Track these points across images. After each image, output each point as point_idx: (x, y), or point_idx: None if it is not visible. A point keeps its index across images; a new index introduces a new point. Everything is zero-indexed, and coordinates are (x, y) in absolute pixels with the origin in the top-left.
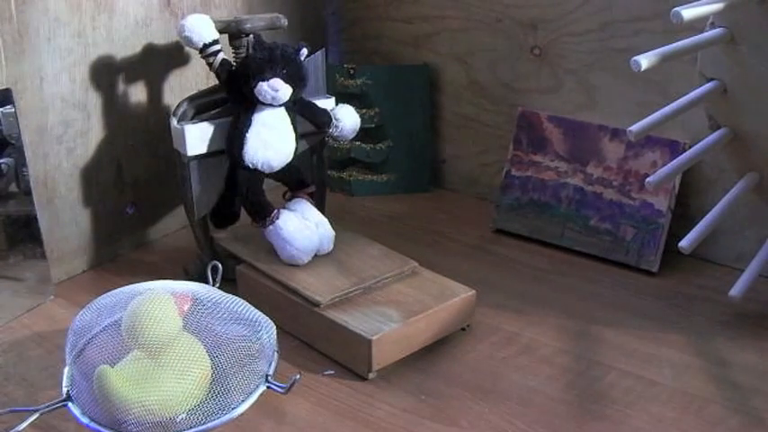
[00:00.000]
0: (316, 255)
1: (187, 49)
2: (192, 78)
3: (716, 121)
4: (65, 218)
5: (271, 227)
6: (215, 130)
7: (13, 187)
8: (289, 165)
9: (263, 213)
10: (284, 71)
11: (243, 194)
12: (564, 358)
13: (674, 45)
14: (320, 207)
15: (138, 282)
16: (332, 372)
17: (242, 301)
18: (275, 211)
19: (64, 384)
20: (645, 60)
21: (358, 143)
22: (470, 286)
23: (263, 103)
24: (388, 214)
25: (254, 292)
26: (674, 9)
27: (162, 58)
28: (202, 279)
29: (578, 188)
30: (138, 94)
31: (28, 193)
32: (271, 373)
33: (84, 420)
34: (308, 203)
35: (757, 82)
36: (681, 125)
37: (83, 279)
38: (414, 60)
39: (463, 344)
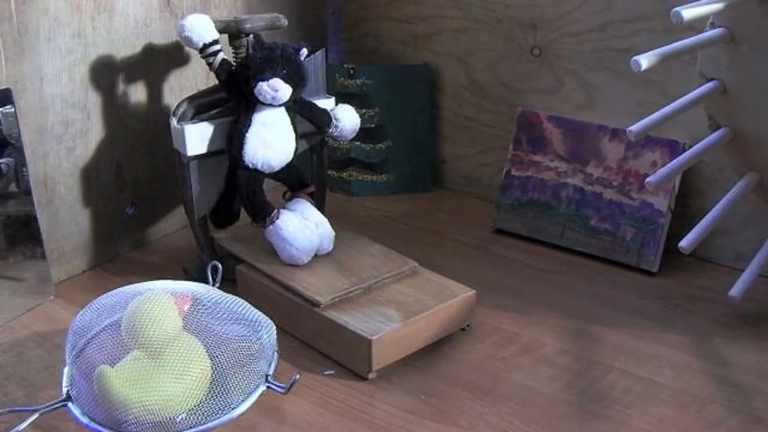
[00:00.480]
0: (316, 255)
1: (187, 49)
2: (192, 78)
3: (716, 121)
4: (65, 218)
5: (271, 227)
6: (215, 130)
7: (13, 187)
8: (289, 165)
9: (263, 213)
10: (284, 71)
11: (243, 194)
12: (564, 358)
13: (674, 45)
14: (320, 207)
15: (138, 282)
16: (332, 372)
17: (242, 301)
18: (275, 211)
19: (64, 384)
20: (645, 60)
21: (358, 143)
22: (470, 286)
23: (263, 103)
24: (388, 214)
25: (254, 292)
26: (674, 9)
27: (162, 58)
28: (202, 279)
29: (578, 188)
30: (138, 94)
31: (28, 193)
32: (271, 373)
33: (84, 420)
34: (308, 203)
35: (757, 82)
36: (681, 125)
37: (83, 279)
38: (414, 60)
39: (463, 344)
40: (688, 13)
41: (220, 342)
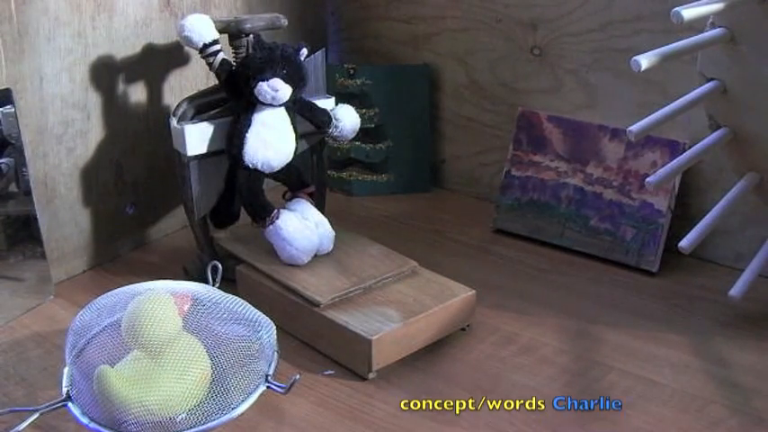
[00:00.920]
0: (316, 255)
1: (187, 49)
2: (192, 78)
3: (716, 121)
4: (65, 218)
5: (271, 227)
6: (215, 130)
7: (13, 187)
8: (289, 165)
9: (263, 213)
10: (284, 71)
11: (243, 194)
12: (564, 358)
13: (674, 45)
14: (320, 207)
15: (138, 282)
16: (332, 372)
17: (242, 301)
18: (275, 211)
19: (64, 384)
20: (645, 60)
21: (358, 143)
22: (470, 286)
23: (263, 103)
24: (388, 214)
25: (254, 292)
26: (674, 9)
27: (162, 58)
28: (202, 279)
29: (578, 188)
30: (138, 94)
31: (28, 193)
32: (271, 373)
33: (84, 420)
34: (308, 203)
35: (757, 82)
36: (681, 125)
37: (83, 279)
38: (414, 60)
39: (463, 344)
40: (688, 13)
41: (220, 342)
